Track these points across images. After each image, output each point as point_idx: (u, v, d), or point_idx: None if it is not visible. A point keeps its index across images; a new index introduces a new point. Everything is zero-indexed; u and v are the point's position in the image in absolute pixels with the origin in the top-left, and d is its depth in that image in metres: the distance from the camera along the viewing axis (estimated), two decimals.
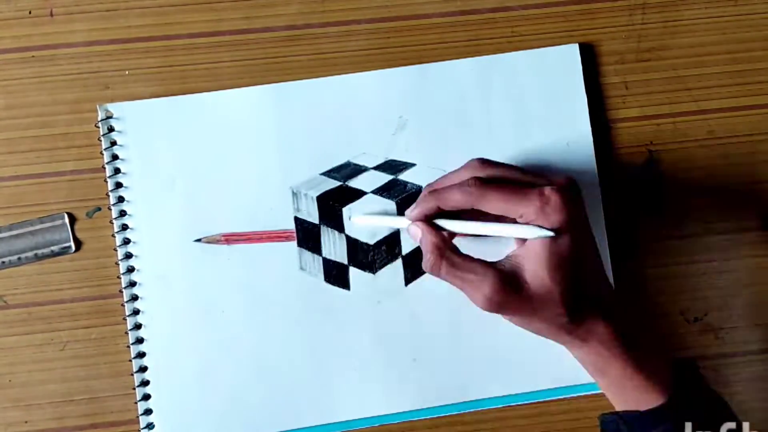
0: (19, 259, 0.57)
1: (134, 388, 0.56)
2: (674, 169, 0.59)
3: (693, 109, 0.60)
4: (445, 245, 0.51)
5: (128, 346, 0.56)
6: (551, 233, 0.47)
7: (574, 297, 0.48)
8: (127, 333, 0.56)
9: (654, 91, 0.60)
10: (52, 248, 0.57)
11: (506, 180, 0.50)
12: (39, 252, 0.57)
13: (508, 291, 0.48)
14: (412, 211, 0.52)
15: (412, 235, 0.52)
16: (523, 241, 0.49)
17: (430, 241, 0.51)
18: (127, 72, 0.58)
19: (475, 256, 0.50)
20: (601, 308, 0.49)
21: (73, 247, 0.57)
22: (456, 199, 0.50)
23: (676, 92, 0.60)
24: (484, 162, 0.51)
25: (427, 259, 0.50)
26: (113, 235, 0.56)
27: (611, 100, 0.59)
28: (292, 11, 0.59)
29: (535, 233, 0.48)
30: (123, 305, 0.56)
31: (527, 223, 0.48)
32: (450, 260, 0.50)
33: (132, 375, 0.56)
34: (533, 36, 0.59)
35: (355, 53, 0.59)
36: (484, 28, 0.59)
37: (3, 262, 0.56)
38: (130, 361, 0.56)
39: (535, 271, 0.48)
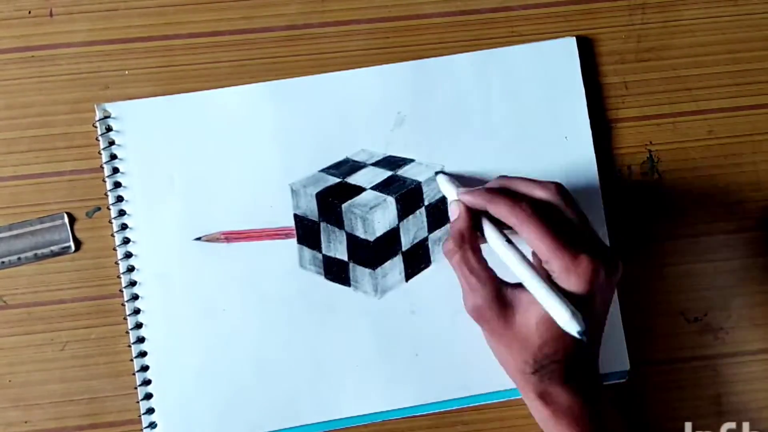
0: (18, 259, 0.57)
1: (135, 388, 0.56)
2: (674, 169, 0.59)
3: (693, 109, 0.60)
4: (469, 239, 0.51)
5: (129, 346, 0.56)
6: (578, 335, 0.46)
7: (546, 355, 0.48)
8: (127, 332, 0.56)
9: (654, 91, 0.60)
10: (52, 248, 0.57)
11: (563, 225, 0.49)
12: (39, 252, 0.57)
13: (495, 312, 0.49)
14: (468, 193, 0.52)
15: (451, 211, 0.53)
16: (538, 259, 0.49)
17: (458, 228, 0.51)
18: (126, 72, 0.58)
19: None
20: (577, 382, 0.49)
21: (73, 247, 0.57)
22: (502, 213, 0.49)
23: (676, 92, 0.60)
24: (564, 193, 0.50)
25: (447, 242, 0.51)
26: (113, 235, 0.56)
27: (611, 100, 0.59)
28: (291, 11, 0.59)
29: (565, 323, 0.46)
30: (123, 305, 0.56)
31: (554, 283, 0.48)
32: (464, 255, 0.50)
33: (133, 375, 0.56)
34: (533, 36, 0.59)
35: (355, 53, 0.59)
36: (483, 28, 0.59)
37: (3, 262, 0.56)
38: (131, 360, 0.56)
39: (529, 314, 0.48)
